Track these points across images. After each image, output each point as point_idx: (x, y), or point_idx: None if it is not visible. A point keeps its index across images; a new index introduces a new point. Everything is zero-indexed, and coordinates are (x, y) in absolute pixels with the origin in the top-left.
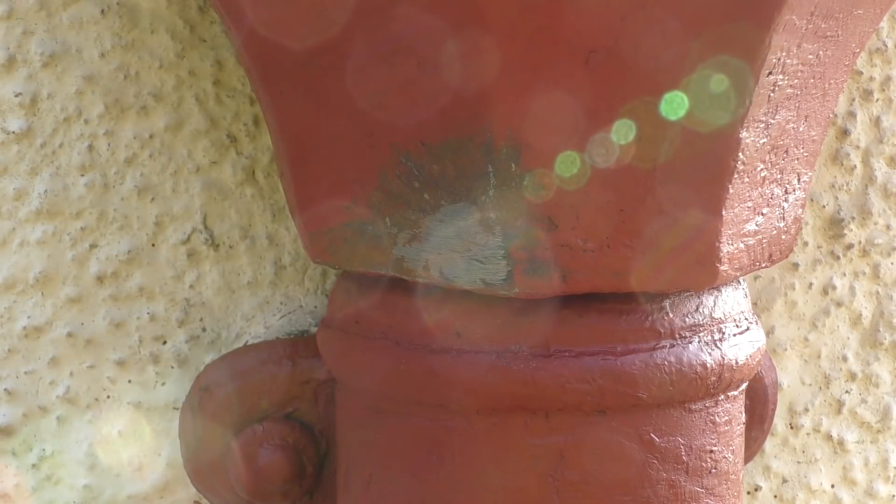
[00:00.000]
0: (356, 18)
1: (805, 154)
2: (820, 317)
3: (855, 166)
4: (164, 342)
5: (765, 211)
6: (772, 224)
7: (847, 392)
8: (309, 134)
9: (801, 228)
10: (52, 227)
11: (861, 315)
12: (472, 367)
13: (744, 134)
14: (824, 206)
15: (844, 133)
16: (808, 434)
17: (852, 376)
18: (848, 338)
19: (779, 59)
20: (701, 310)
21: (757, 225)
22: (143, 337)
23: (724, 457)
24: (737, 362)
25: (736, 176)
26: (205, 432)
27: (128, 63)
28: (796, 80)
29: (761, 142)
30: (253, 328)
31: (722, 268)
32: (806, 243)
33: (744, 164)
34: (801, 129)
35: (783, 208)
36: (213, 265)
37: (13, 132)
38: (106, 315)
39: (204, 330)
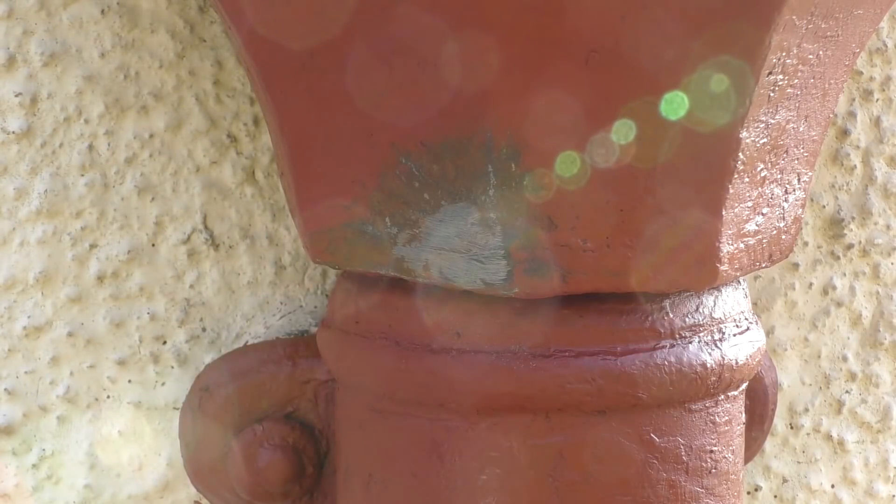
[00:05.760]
0: (356, 18)
1: (805, 154)
2: (820, 317)
3: (855, 166)
4: (164, 342)
5: (765, 211)
6: (772, 224)
7: (847, 392)
8: (309, 134)
9: (801, 228)
10: (53, 227)
11: (861, 315)
12: (472, 367)
13: (744, 134)
14: (824, 206)
15: (844, 133)
16: (808, 434)
17: (852, 376)
18: (848, 338)
19: (779, 59)
20: (701, 310)
21: (757, 225)
22: (143, 337)
23: (724, 457)
24: (737, 362)
25: (736, 176)
26: (205, 432)
27: (128, 63)
28: (796, 80)
29: (761, 142)
30: (253, 328)
31: (722, 268)
32: (806, 243)
33: (744, 164)
34: (801, 129)
35: (783, 208)
36: (213, 265)
37: (13, 132)
38: (106, 315)
39: (204, 330)
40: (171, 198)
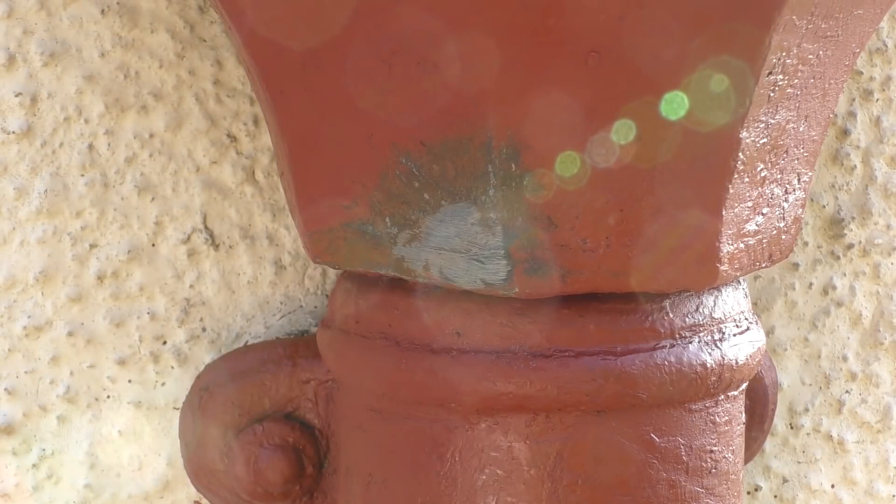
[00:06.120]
0: (356, 18)
1: (805, 154)
2: (820, 317)
3: (855, 166)
4: (165, 342)
5: (765, 211)
6: (772, 224)
7: (847, 392)
8: (309, 134)
9: (802, 228)
10: (53, 227)
11: (861, 315)
12: (472, 367)
13: (744, 134)
14: (824, 206)
15: (844, 133)
16: (808, 434)
17: (852, 376)
18: (848, 338)
19: (779, 59)
20: (701, 310)
21: (757, 225)
22: (143, 336)
23: (724, 457)
24: (737, 362)
25: (736, 176)
26: (205, 432)
27: (128, 63)
28: (796, 80)
29: (761, 142)
30: (253, 328)
31: (722, 268)
32: (806, 243)
33: (744, 164)
34: (801, 129)
35: (783, 208)
36: (213, 265)
37: (13, 132)
38: (106, 314)
39: (204, 330)
40: (171, 198)
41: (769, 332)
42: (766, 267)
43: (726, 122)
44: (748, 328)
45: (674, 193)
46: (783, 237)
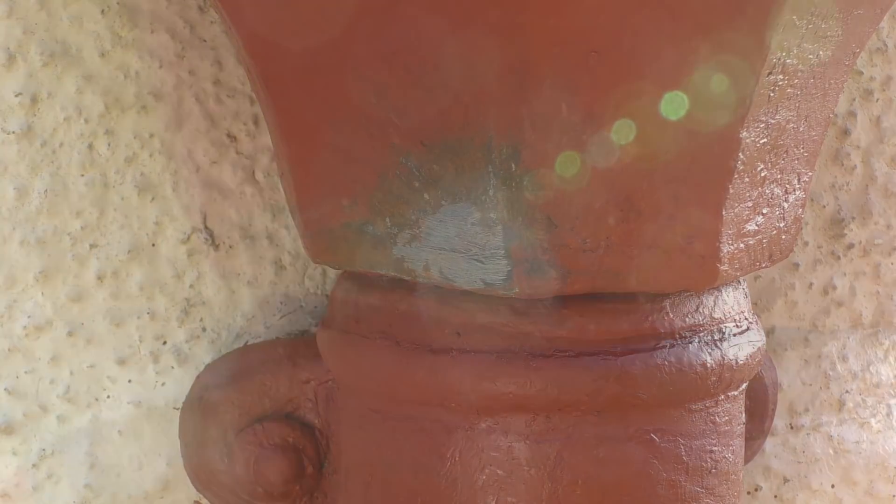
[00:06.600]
0: (356, 19)
1: (805, 154)
2: (820, 317)
3: (855, 166)
4: (165, 342)
5: (765, 211)
6: (772, 224)
7: (847, 392)
8: (309, 134)
9: (802, 228)
10: (53, 227)
11: (861, 315)
12: (472, 367)
13: (744, 134)
14: (824, 206)
15: (845, 133)
16: (808, 434)
17: (852, 376)
18: (848, 338)
19: (779, 59)
20: (701, 310)
21: (757, 225)
22: (143, 336)
23: (724, 457)
24: (737, 362)
25: (736, 176)
26: (205, 432)
27: (128, 63)
28: (796, 80)
29: (761, 142)
30: (253, 328)
31: (722, 268)
32: (806, 243)
33: (744, 164)
34: (801, 129)
35: (783, 208)
36: (213, 265)
37: (13, 132)
38: (106, 314)
39: (204, 330)
40: (171, 198)
41: (769, 332)
42: (766, 267)
43: (726, 122)
44: (748, 328)
45: (674, 193)
46: (783, 237)
